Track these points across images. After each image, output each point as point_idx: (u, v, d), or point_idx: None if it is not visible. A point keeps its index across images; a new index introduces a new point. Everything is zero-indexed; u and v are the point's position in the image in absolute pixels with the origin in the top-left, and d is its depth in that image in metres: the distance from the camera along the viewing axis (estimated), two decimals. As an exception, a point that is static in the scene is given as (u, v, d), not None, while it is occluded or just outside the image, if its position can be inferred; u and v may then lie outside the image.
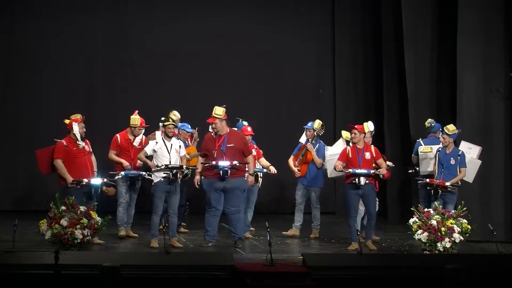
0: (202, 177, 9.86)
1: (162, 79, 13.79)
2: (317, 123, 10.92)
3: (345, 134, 10.78)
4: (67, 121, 9.95)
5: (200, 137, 11.26)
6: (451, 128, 10.20)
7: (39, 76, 13.58)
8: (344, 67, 14.38)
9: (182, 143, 9.98)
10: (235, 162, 9.70)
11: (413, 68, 12.25)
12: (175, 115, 10.52)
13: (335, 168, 9.94)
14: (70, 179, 9.56)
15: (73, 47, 13.59)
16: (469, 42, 11.29)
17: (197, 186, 9.92)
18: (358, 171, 9.69)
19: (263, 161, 10.92)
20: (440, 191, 9.93)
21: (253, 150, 10.73)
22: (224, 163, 9.65)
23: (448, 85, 12.03)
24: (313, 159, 10.84)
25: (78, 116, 9.94)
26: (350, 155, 9.83)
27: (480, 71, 11.27)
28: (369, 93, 14.38)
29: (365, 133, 9.98)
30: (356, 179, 9.68)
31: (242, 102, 13.44)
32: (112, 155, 10.43)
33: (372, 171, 9.72)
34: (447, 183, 9.88)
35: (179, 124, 10.66)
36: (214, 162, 9.67)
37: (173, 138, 9.80)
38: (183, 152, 9.89)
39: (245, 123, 11.03)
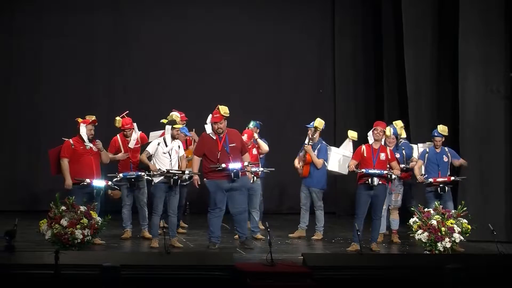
0: (205, 179, 9.70)
1: (162, 78, 13.80)
2: (317, 121, 10.85)
3: (351, 133, 10.72)
4: (79, 120, 9.92)
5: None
6: (445, 129, 10.30)
7: (38, 76, 13.59)
8: (344, 67, 14.40)
9: (180, 143, 9.94)
10: (246, 163, 9.63)
11: (413, 67, 12.25)
12: (177, 116, 10.48)
13: (348, 168, 9.92)
14: (69, 182, 9.55)
15: (73, 47, 13.59)
16: (469, 41, 11.29)
17: (197, 186, 9.85)
18: (371, 171, 9.62)
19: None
20: (447, 188, 10.10)
21: (254, 149, 10.76)
22: (236, 165, 9.49)
23: (448, 85, 12.03)
24: (312, 160, 10.76)
25: (91, 118, 9.92)
26: (365, 155, 9.76)
27: (480, 71, 11.27)
28: (369, 93, 14.39)
29: (387, 136, 10.01)
30: (369, 180, 9.61)
31: (242, 102, 13.45)
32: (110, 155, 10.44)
33: (385, 172, 9.66)
34: (452, 178, 10.18)
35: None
36: (224, 165, 9.47)
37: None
38: (182, 152, 9.87)
39: (251, 125, 10.90)
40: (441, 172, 10.24)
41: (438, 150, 10.35)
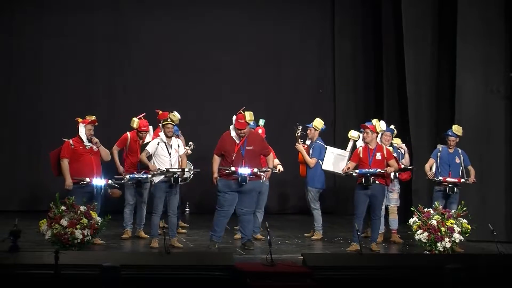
0: (218, 177, 9.60)
1: (162, 78, 13.79)
2: (316, 121, 10.81)
3: (351, 133, 10.66)
4: (79, 120, 9.92)
5: (191, 137, 11.21)
6: (460, 130, 10.26)
7: (38, 76, 13.58)
8: (344, 67, 14.41)
9: (180, 142, 9.94)
10: (255, 170, 9.48)
11: (413, 67, 12.26)
12: (174, 115, 10.47)
13: (343, 170, 9.89)
14: (70, 182, 9.55)
15: (73, 47, 13.59)
16: (469, 42, 11.30)
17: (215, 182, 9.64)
18: (364, 170, 9.63)
19: (275, 161, 10.79)
20: (455, 189, 10.06)
21: None
22: (244, 171, 9.39)
23: (448, 85, 12.03)
24: (304, 159, 10.73)
25: (91, 118, 9.92)
26: (362, 155, 9.75)
27: (480, 71, 11.28)
28: (369, 93, 14.41)
29: (377, 133, 9.95)
30: (363, 179, 9.62)
31: (242, 101, 13.41)
32: (114, 151, 10.43)
33: (378, 170, 9.64)
34: (462, 180, 10.12)
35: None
36: (233, 168, 9.39)
37: (172, 138, 9.77)
38: (182, 150, 9.87)
39: (261, 123, 10.85)
40: (452, 173, 10.20)
41: (451, 151, 10.30)
